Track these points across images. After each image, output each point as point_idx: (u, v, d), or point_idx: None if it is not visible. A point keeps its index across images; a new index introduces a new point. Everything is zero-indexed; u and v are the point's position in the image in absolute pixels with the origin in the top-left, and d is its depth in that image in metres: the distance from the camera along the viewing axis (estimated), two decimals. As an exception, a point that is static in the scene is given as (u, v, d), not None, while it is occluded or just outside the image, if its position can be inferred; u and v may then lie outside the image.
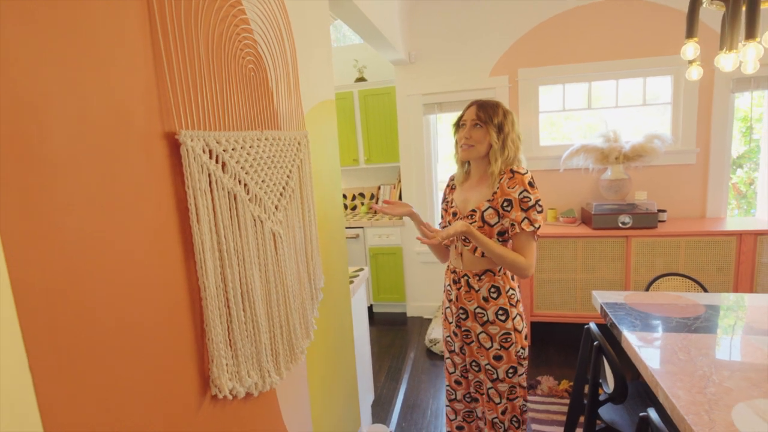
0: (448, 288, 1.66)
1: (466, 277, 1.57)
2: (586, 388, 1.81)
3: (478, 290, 1.57)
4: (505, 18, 3.32)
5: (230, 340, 0.88)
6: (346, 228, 3.87)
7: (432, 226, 1.49)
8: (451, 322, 1.67)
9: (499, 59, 3.39)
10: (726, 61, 1.33)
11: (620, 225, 3.02)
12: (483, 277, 1.56)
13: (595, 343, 1.74)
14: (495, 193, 1.48)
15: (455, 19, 3.40)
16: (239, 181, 0.91)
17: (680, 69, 3.06)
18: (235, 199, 0.90)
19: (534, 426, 2.38)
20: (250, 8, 1.01)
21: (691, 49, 1.39)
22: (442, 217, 1.73)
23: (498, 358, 1.59)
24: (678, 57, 2.93)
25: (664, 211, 3.18)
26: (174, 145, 0.75)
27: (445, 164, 3.99)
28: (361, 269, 2.36)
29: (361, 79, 3.97)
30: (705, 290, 2.30)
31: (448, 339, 1.72)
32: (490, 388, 1.64)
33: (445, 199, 1.71)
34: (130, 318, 0.66)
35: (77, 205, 0.58)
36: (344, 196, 4.41)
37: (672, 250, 2.95)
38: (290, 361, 1.10)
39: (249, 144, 0.95)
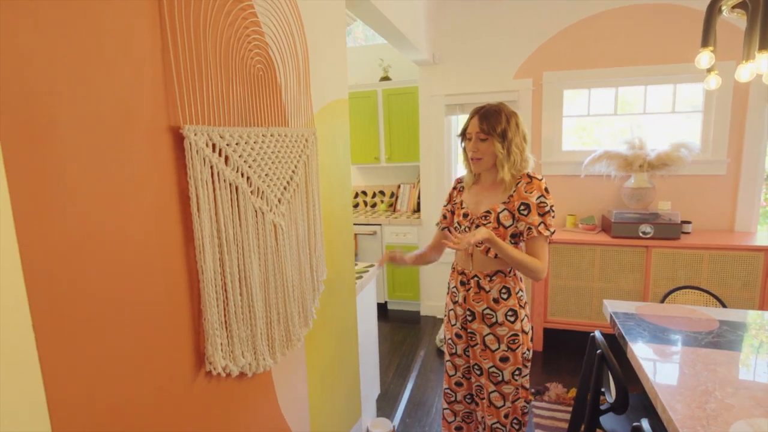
0: (454, 290, 1.67)
1: (476, 278, 1.58)
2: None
3: (489, 291, 1.58)
4: (531, 20, 3.29)
5: (225, 322, 0.94)
6: (365, 225, 3.92)
7: (455, 234, 1.61)
8: (455, 324, 1.68)
9: (524, 62, 3.36)
10: (744, 72, 1.30)
11: (641, 235, 2.95)
12: (494, 278, 1.58)
13: (599, 351, 1.72)
14: (511, 196, 1.52)
15: (481, 21, 3.40)
16: (242, 174, 0.97)
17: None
18: (236, 190, 0.96)
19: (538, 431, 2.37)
20: (261, 10, 1.06)
21: (706, 58, 1.35)
22: (445, 217, 1.76)
23: (504, 359, 1.60)
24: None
25: (689, 222, 3.08)
26: (178, 139, 0.81)
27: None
28: (372, 265, 2.40)
29: (385, 78, 4.01)
30: (723, 305, 2.23)
31: (450, 341, 1.72)
32: (492, 392, 1.64)
33: (451, 201, 1.75)
34: (130, 293, 0.73)
35: (84, 190, 0.65)
36: (364, 193, 4.47)
37: (694, 263, 2.86)
38: (286, 347, 1.16)
39: (253, 139, 1.01)
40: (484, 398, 1.68)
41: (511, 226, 1.53)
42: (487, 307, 1.59)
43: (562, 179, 3.41)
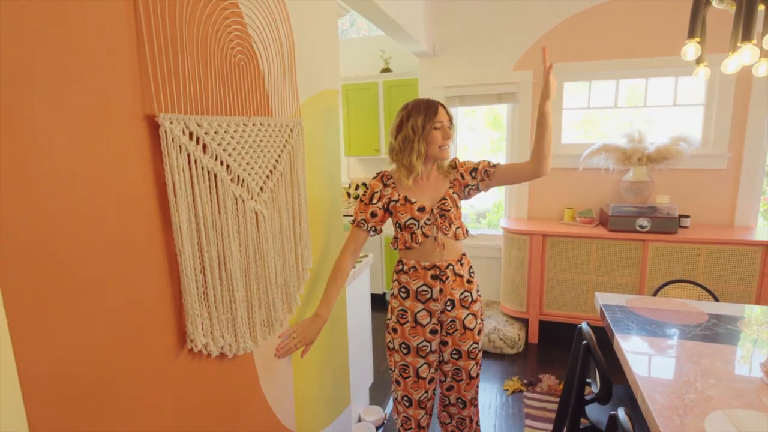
0: (424, 289, 1.59)
1: (451, 267, 1.61)
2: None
3: (462, 275, 1.65)
4: (531, 12, 3.26)
5: (206, 303, 0.97)
6: (364, 216, 3.94)
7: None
8: (428, 323, 1.61)
9: (524, 54, 3.34)
10: (731, 64, 1.29)
11: (638, 228, 2.94)
12: (463, 261, 1.67)
13: (584, 342, 1.74)
14: (455, 179, 1.65)
15: (481, 12, 3.38)
16: (221, 162, 1.00)
17: (715, 69, 2.92)
18: (215, 178, 0.98)
19: (528, 422, 2.40)
20: (244, 1, 1.08)
21: (692, 49, 1.34)
22: (374, 215, 1.60)
23: (479, 331, 1.71)
24: (712, 56, 2.80)
25: (687, 216, 3.06)
26: (154, 127, 0.84)
27: (464, 157, 3.98)
28: (366, 256, 2.43)
29: (386, 70, 4.01)
30: (716, 299, 2.22)
31: (423, 343, 1.62)
32: (472, 368, 1.71)
33: (382, 198, 1.61)
34: (108, 274, 0.76)
35: (59, 172, 0.68)
36: (365, 185, 4.48)
37: (691, 257, 2.85)
38: (268, 332, 1.19)
39: (233, 128, 1.03)
40: (462, 379, 1.72)
41: (460, 206, 1.67)
42: (464, 291, 1.64)
43: (561, 172, 3.41)
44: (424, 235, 1.58)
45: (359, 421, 2.38)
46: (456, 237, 1.62)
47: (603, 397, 1.63)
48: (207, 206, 0.96)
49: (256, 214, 1.13)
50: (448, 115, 1.60)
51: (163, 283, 0.89)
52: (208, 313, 0.98)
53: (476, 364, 1.73)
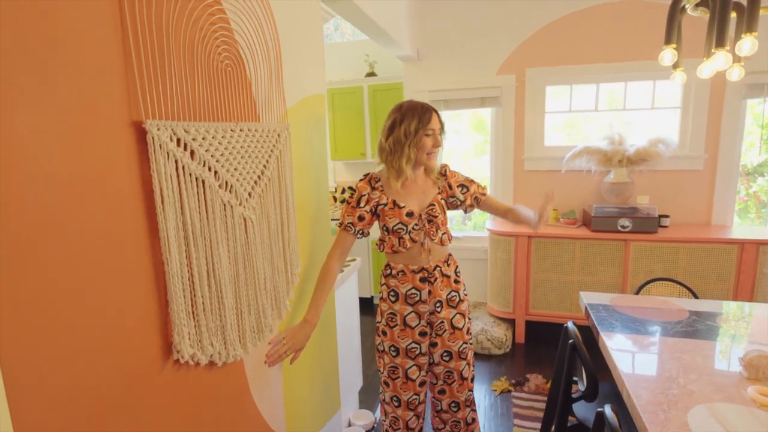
0: (413, 292, 1.60)
1: (438, 268, 1.63)
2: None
3: (449, 275, 1.67)
4: (514, 17, 3.32)
5: (193, 312, 0.96)
6: (350, 220, 3.94)
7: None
8: (417, 325, 1.62)
9: (507, 58, 3.40)
10: (705, 69, 1.34)
11: (620, 228, 3.01)
12: (449, 261, 1.69)
13: (570, 341, 1.77)
14: (440, 187, 1.66)
15: (464, 17, 3.42)
16: (209, 168, 0.99)
17: (691, 74, 3.01)
18: (203, 184, 0.98)
19: (516, 421, 2.42)
20: (229, 6, 1.08)
21: (668, 55, 1.39)
22: (361, 219, 1.58)
23: (468, 330, 1.73)
24: (688, 61, 2.89)
25: (666, 216, 3.14)
26: (141, 133, 0.83)
27: (449, 161, 4.02)
28: (354, 260, 2.43)
29: (371, 74, 4.02)
30: (695, 296, 2.29)
31: (413, 345, 1.63)
32: (463, 368, 1.72)
33: (370, 201, 1.60)
34: (92, 283, 0.75)
35: (44, 177, 0.67)
36: (351, 189, 4.49)
37: (671, 255, 2.93)
38: (258, 338, 1.18)
39: (221, 134, 1.03)
40: (454, 381, 1.73)
41: (446, 212, 1.69)
42: (451, 290, 1.67)
43: (545, 174, 3.46)
44: (412, 240, 1.58)
45: (349, 425, 2.38)
46: (442, 242, 1.64)
47: (590, 395, 1.66)
48: (195, 213, 0.95)
49: (245, 219, 1.13)
50: (440, 122, 1.60)
51: (149, 292, 0.87)
52: (195, 322, 0.97)
53: (468, 365, 1.74)
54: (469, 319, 1.75)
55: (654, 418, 1.26)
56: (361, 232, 1.61)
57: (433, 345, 1.68)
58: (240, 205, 1.11)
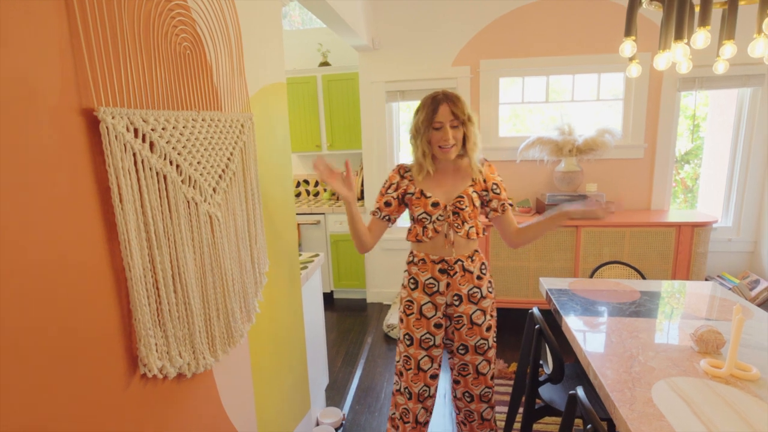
0: (431, 282, 1.62)
1: (460, 262, 1.62)
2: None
3: (473, 271, 1.65)
4: (468, 8, 3.34)
5: (160, 321, 0.87)
6: (308, 214, 3.84)
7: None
8: (433, 316, 1.63)
9: (462, 49, 3.42)
10: (661, 61, 1.40)
11: (571, 215, 3.14)
12: (474, 257, 1.67)
13: (537, 326, 1.82)
14: (474, 179, 1.62)
15: (420, 7, 3.40)
16: (170, 162, 0.90)
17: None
18: (165, 180, 0.88)
19: (482, 407, 2.48)
20: (186, -16, 0.98)
21: (628, 47, 1.45)
22: (388, 204, 1.63)
23: (489, 328, 1.72)
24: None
25: (612, 202, 3.32)
26: (94, 122, 0.73)
27: (408, 153, 4.02)
28: (317, 255, 2.36)
29: (325, 64, 3.92)
30: (643, 277, 2.43)
31: (427, 335, 1.64)
32: (480, 363, 1.73)
33: (399, 188, 1.63)
34: (38, 294, 0.65)
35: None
36: (306, 182, 4.37)
37: (618, 239, 3.10)
38: (228, 344, 1.10)
39: (182, 124, 0.93)
40: (469, 373, 1.74)
41: (481, 205, 1.66)
42: (473, 287, 1.66)
43: (500, 165, 3.54)
44: (435, 231, 1.58)
45: (317, 424, 2.32)
46: (468, 236, 1.61)
47: (556, 377, 1.72)
48: (157, 211, 0.86)
49: (210, 217, 1.04)
50: (454, 113, 1.50)
51: (108, 302, 0.78)
52: (163, 331, 0.88)
53: (486, 361, 1.73)
54: (492, 316, 1.72)
55: (622, 396, 1.32)
56: (387, 217, 1.65)
57: (450, 339, 1.70)
58: (205, 201, 1.02)
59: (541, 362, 1.94)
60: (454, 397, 1.84)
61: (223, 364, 1.15)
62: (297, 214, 3.81)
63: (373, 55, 3.52)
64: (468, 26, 3.37)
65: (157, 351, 0.86)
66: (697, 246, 3.04)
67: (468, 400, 1.80)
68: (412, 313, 1.64)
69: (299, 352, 1.76)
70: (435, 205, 1.57)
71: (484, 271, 1.70)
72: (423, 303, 1.63)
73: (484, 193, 1.64)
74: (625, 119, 3.37)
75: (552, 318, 2.32)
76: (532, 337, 1.89)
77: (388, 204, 1.64)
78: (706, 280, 3.26)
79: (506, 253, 3.26)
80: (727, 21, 1.34)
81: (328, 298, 4.01)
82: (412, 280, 1.65)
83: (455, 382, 1.80)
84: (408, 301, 1.66)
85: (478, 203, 1.63)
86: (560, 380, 1.73)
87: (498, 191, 1.67)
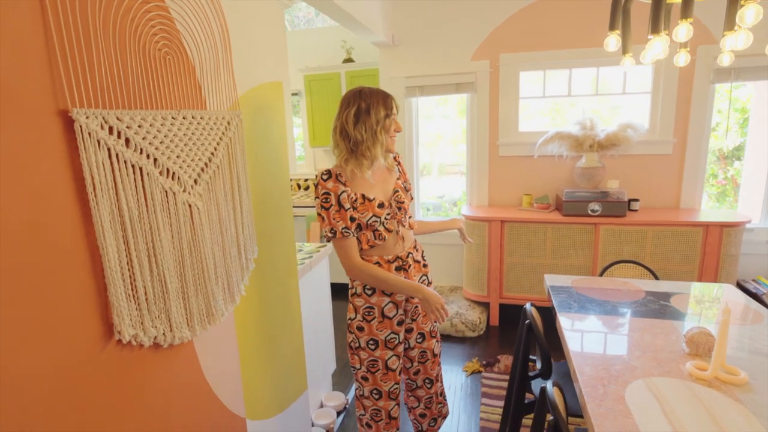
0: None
1: (411, 255, 1.66)
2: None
3: (419, 261, 1.71)
4: (488, 2, 3.31)
5: (134, 295, 0.99)
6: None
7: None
8: (395, 315, 1.62)
9: (481, 43, 3.40)
10: (646, 55, 1.37)
11: (590, 212, 3.06)
12: (417, 246, 1.74)
13: (527, 322, 1.83)
14: (399, 171, 1.71)
15: (439, 2, 3.41)
16: (147, 156, 1.01)
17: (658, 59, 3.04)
18: (141, 171, 1.00)
19: (484, 400, 2.50)
20: (168, -5, 1.08)
21: (613, 41, 1.42)
22: (352, 219, 1.52)
23: None
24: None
25: (636, 200, 3.20)
26: (69, 122, 0.85)
27: (426, 148, 4.04)
28: (324, 245, 2.46)
29: (348, 60, 4.01)
30: (656, 278, 2.35)
31: (392, 336, 1.63)
32: (434, 345, 1.81)
33: (352, 198, 1.53)
34: (17, 266, 0.77)
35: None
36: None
37: (639, 238, 2.99)
38: (207, 321, 1.22)
39: (160, 122, 1.05)
40: (428, 359, 1.81)
41: (408, 196, 1.71)
42: (423, 275, 1.71)
43: (519, 159, 3.50)
44: (387, 231, 1.57)
45: (321, 406, 2.44)
46: (411, 227, 1.68)
47: (544, 373, 1.72)
48: (132, 200, 0.97)
49: (190, 206, 1.15)
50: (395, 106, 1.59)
51: (84, 276, 0.89)
52: (137, 304, 1.00)
53: (437, 341, 1.84)
54: None
55: (593, 392, 1.32)
56: (355, 233, 1.55)
57: (408, 331, 1.73)
58: (184, 192, 1.13)
59: (534, 357, 1.95)
60: (414, 388, 1.85)
61: (205, 339, 1.27)
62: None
63: (393, 52, 3.57)
64: (487, 20, 3.35)
65: (130, 321, 0.98)
66: (728, 247, 2.88)
67: (428, 386, 1.85)
68: (374, 318, 1.60)
69: (293, 333, 1.87)
70: (381, 206, 1.55)
71: (425, 256, 1.76)
72: (384, 305, 1.59)
73: (405, 184, 1.70)
74: (653, 114, 3.23)
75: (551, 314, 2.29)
76: (523, 333, 1.89)
77: (353, 219, 1.52)
78: (739, 283, 3.08)
79: (522, 250, 3.23)
80: None
81: (343, 288, 4.12)
82: (367, 287, 1.59)
83: (415, 372, 1.81)
84: (367, 307, 1.60)
85: (407, 194, 1.69)
86: (549, 375, 1.74)
87: (408, 186, 1.73)
